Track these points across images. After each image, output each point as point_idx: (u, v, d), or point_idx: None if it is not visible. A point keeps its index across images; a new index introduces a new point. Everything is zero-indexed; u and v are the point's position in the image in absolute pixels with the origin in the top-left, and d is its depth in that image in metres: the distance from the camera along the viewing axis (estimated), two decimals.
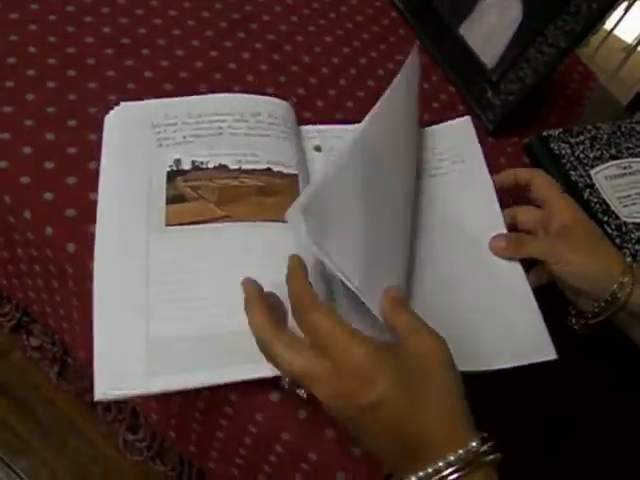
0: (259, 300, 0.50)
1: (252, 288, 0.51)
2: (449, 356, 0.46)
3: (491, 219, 0.64)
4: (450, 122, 0.72)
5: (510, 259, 0.62)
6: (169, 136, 0.62)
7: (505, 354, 0.56)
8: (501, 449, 0.44)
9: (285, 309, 0.52)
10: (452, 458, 0.42)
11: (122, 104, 0.64)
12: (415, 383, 0.44)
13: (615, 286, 0.57)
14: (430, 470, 0.42)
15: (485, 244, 0.63)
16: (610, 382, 0.73)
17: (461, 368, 0.47)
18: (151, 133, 0.62)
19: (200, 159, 0.60)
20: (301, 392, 0.49)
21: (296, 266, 0.50)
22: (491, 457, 0.43)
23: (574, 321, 0.63)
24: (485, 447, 0.42)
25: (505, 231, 0.64)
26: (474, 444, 0.42)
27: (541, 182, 0.64)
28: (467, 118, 0.72)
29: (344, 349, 0.44)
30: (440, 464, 0.42)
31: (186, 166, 0.60)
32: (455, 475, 0.41)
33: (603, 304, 0.58)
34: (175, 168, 0.60)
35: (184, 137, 0.62)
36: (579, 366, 0.63)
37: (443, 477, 0.42)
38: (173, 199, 0.58)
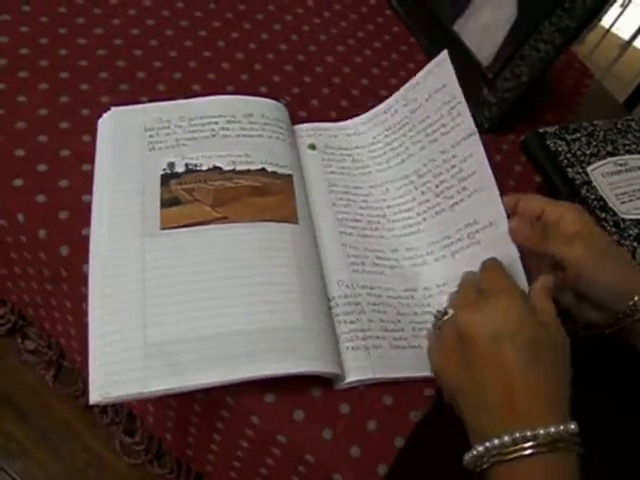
0: None
1: None
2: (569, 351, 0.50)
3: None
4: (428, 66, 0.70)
5: (525, 245, 0.57)
6: (162, 139, 0.61)
7: None
8: None
9: None
10: (542, 432, 0.45)
11: (113, 109, 0.63)
12: (545, 356, 0.48)
13: (637, 298, 0.55)
14: (518, 435, 0.45)
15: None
16: (613, 390, 0.73)
17: None
18: (144, 137, 0.61)
19: (194, 162, 0.60)
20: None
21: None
22: (577, 446, 0.46)
23: (580, 331, 0.62)
24: (575, 435, 0.46)
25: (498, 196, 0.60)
26: (572, 426, 0.45)
27: (526, 198, 0.60)
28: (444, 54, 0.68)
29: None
30: (528, 433, 0.45)
31: (180, 169, 0.59)
32: (539, 449, 0.45)
33: (621, 316, 0.57)
34: (169, 171, 0.59)
35: (177, 140, 0.61)
36: (581, 373, 0.62)
37: (526, 448, 0.45)
38: (168, 202, 0.57)
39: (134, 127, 0.62)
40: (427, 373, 0.56)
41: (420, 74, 0.70)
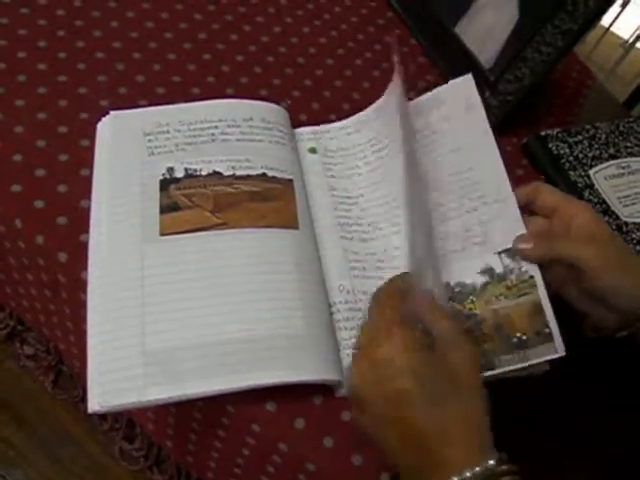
0: None
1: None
2: (478, 368, 0.47)
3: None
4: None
5: (536, 262, 0.57)
6: (161, 144, 0.61)
7: (512, 356, 0.55)
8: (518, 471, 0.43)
9: None
10: (468, 474, 0.41)
11: (112, 113, 0.63)
12: (444, 393, 0.45)
13: None
14: None
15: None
16: (610, 387, 0.72)
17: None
18: (143, 142, 0.61)
19: (193, 167, 0.60)
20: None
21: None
22: (513, 476, 0.42)
23: (588, 332, 0.61)
24: (503, 467, 0.42)
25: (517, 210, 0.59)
26: (492, 462, 0.42)
27: (547, 192, 0.59)
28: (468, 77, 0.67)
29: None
30: (455, 479, 0.41)
31: (179, 174, 0.59)
32: None
33: (632, 319, 0.55)
34: (168, 176, 0.59)
35: (176, 145, 0.61)
36: (579, 371, 0.62)
37: None
38: (167, 208, 0.57)
39: (133, 132, 0.61)
40: None
41: (440, 89, 0.68)
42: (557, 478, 0.67)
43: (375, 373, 0.46)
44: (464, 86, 0.66)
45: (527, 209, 0.59)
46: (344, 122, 0.70)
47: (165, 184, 0.58)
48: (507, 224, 0.58)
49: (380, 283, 0.58)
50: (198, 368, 0.49)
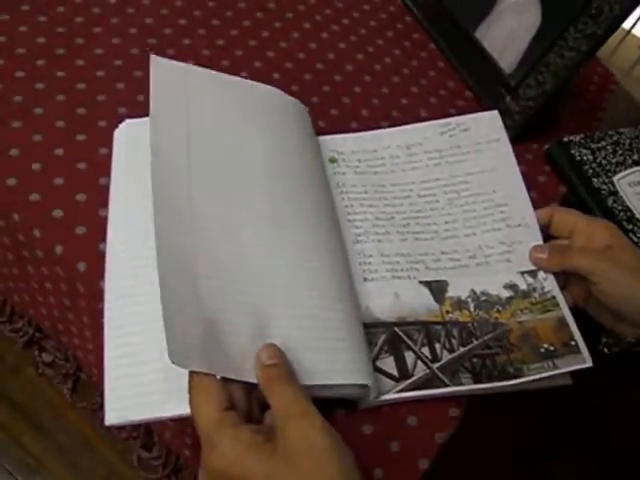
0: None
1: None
2: (328, 442, 0.41)
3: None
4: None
5: (550, 271, 0.59)
6: None
7: (541, 364, 0.55)
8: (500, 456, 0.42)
9: None
10: None
11: (128, 121, 0.62)
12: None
13: None
14: None
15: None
16: (611, 388, 0.72)
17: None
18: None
19: None
20: None
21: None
22: None
23: (609, 346, 0.60)
24: None
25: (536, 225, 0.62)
26: None
27: (561, 212, 0.61)
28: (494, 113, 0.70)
29: (213, 440, 0.42)
30: None
31: None
32: None
33: None
34: None
35: None
36: (596, 379, 0.61)
37: None
38: None
39: (148, 140, 0.61)
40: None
41: (467, 117, 0.71)
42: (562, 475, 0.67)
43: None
44: (490, 120, 0.70)
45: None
46: (363, 135, 0.70)
47: None
48: (529, 247, 0.61)
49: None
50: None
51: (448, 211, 0.64)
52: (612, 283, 0.54)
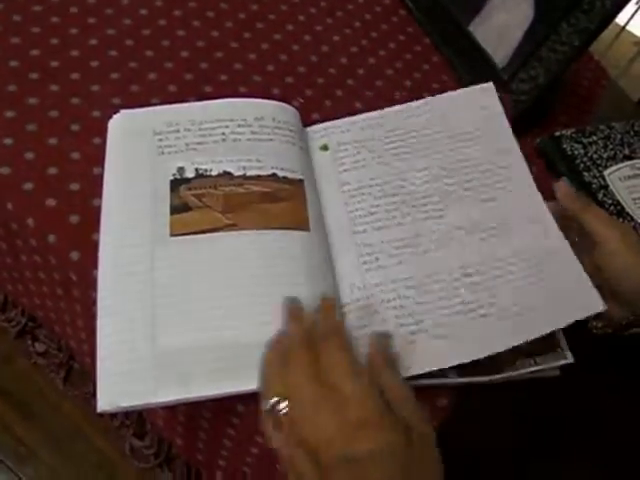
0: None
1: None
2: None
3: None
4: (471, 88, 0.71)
5: (566, 208, 0.60)
6: (171, 144, 0.60)
7: (556, 317, 0.56)
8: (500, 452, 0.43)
9: None
10: None
11: (122, 112, 0.62)
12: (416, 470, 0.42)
13: None
14: None
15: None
16: (612, 386, 0.72)
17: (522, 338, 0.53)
18: (153, 141, 0.60)
19: (203, 167, 0.59)
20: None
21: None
22: None
23: (599, 328, 0.61)
24: None
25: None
26: None
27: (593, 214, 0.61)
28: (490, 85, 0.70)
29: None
30: None
31: (190, 174, 0.59)
32: None
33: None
34: (178, 176, 0.58)
35: (187, 145, 0.61)
36: (582, 370, 0.62)
37: None
38: (177, 208, 0.56)
39: (143, 131, 0.61)
40: (451, 362, 0.54)
41: (459, 91, 0.70)
42: (560, 471, 0.67)
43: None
44: (484, 94, 0.69)
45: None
46: (355, 117, 0.69)
47: (176, 185, 0.58)
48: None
49: (395, 269, 0.58)
50: (208, 370, 0.49)
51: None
52: (619, 255, 0.56)
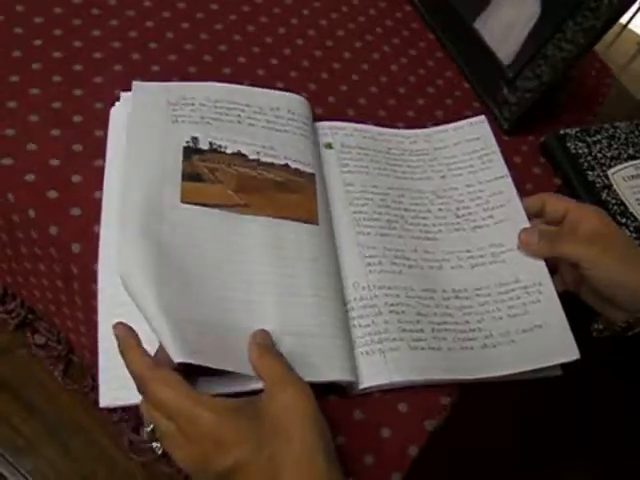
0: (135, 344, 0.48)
1: (125, 334, 0.48)
2: (312, 409, 0.45)
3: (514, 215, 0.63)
4: (462, 122, 0.71)
5: (540, 257, 0.59)
6: (186, 114, 0.59)
7: (532, 356, 0.55)
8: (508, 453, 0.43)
9: None
10: None
11: (135, 83, 0.61)
12: (273, 444, 0.42)
13: None
14: None
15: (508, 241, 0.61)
16: (612, 386, 0.72)
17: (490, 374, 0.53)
18: (167, 110, 0.59)
19: (218, 142, 0.58)
20: (157, 447, 0.48)
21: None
22: None
23: (599, 331, 0.61)
24: None
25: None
26: None
27: (554, 199, 0.61)
28: (482, 118, 0.71)
29: (191, 418, 0.43)
30: None
31: (204, 146, 0.58)
32: None
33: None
34: (192, 145, 0.57)
35: (202, 117, 0.60)
36: (591, 372, 0.62)
37: None
38: (189, 177, 0.55)
39: (157, 101, 0.60)
40: (445, 376, 0.54)
41: (452, 125, 0.71)
42: (560, 472, 0.67)
43: (199, 450, 0.43)
44: (477, 126, 0.71)
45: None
46: (361, 126, 0.69)
47: (188, 153, 0.57)
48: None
49: (397, 277, 0.58)
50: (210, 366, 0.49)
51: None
52: (603, 269, 0.55)
